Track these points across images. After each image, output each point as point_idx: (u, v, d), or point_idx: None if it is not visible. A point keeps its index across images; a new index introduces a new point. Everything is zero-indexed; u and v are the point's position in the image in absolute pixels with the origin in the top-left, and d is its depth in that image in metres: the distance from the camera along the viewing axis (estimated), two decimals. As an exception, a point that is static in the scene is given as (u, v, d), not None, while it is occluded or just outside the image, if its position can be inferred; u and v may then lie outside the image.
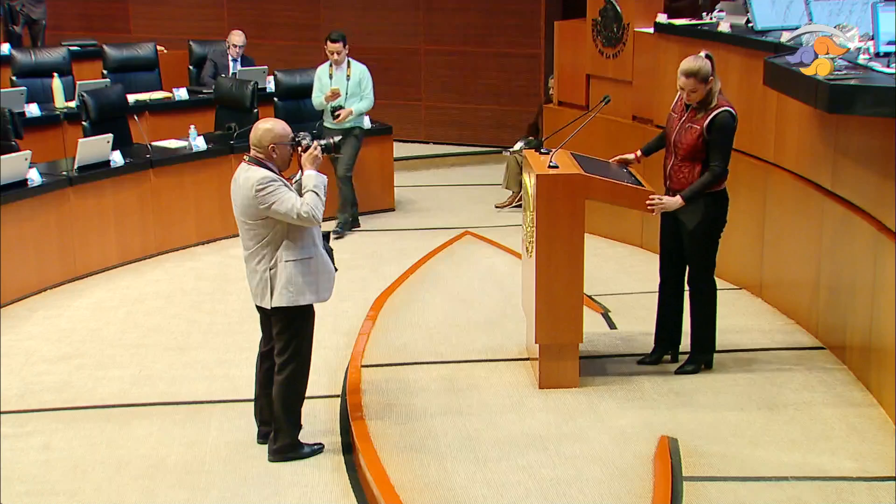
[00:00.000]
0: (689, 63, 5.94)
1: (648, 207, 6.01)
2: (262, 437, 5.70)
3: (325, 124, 9.55)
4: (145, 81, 11.17)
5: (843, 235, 6.31)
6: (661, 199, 6.02)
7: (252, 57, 11.44)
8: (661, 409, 5.89)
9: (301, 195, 5.28)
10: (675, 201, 6.00)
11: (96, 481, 5.42)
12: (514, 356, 6.65)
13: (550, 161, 6.00)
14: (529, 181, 6.17)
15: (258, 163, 5.27)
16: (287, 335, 5.44)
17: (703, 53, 6.02)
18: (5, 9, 12.60)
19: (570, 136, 6.21)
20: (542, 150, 6.32)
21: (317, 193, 5.27)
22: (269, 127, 5.29)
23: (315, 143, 5.42)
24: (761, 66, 6.60)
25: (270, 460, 5.53)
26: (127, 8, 14.19)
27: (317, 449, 5.61)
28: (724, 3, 8.30)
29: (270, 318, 5.49)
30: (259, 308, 5.55)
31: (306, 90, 10.40)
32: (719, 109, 5.95)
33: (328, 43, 9.51)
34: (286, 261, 5.32)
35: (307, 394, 6.36)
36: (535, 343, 6.12)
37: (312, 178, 5.32)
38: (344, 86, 9.44)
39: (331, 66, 9.53)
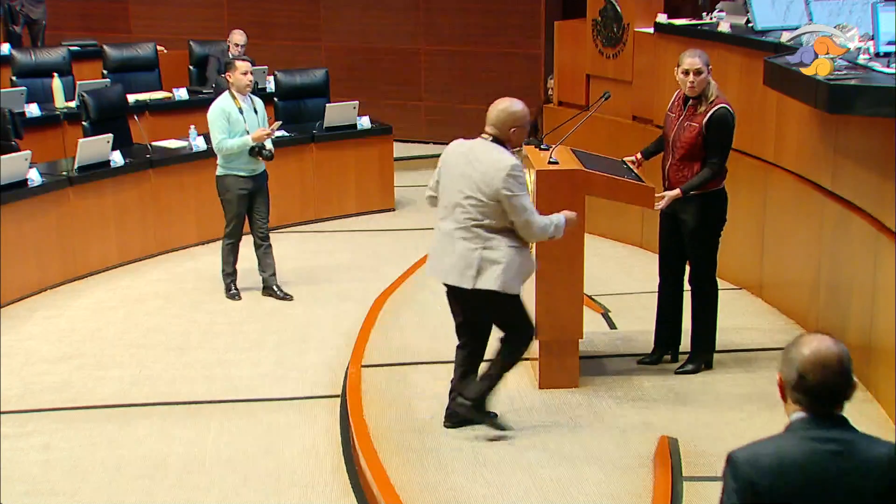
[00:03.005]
0: (688, 50, 6.02)
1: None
2: (449, 419, 5.62)
3: (236, 172, 7.64)
4: (145, 81, 11.17)
5: (842, 235, 6.31)
6: (660, 195, 6.04)
7: (252, 57, 11.42)
8: (661, 409, 5.89)
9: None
10: (673, 193, 6.01)
11: (96, 481, 5.42)
12: (514, 356, 6.65)
13: (550, 157, 6.00)
14: (529, 177, 6.17)
15: (499, 142, 5.19)
16: (503, 315, 5.35)
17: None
18: (5, 9, 12.59)
19: (571, 132, 6.21)
20: (542, 146, 6.32)
21: (556, 225, 5.25)
22: (512, 110, 5.16)
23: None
24: (761, 66, 6.60)
25: (453, 410, 5.49)
26: (127, 8, 14.19)
27: (492, 416, 5.52)
28: (724, 3, 8.30)
29: (468, 300, 5.30)
30: (451, 288, 5.33)
31: (306, 90, 10.42)
32: (718, 105, 5.96)
33: (237, 62, 7.67)
34: (510, 246, 5.17)
35: (307, 394, 6.40)
36: (535, 339, 6.12)
37: (562, 217, 5.33)
38: (254, 121, 7.69)
39: (234, 98, 7.65)
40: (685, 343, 6.39)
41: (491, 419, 5.55)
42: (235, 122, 7.59)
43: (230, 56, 11.03)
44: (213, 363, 6.83)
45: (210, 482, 5.39)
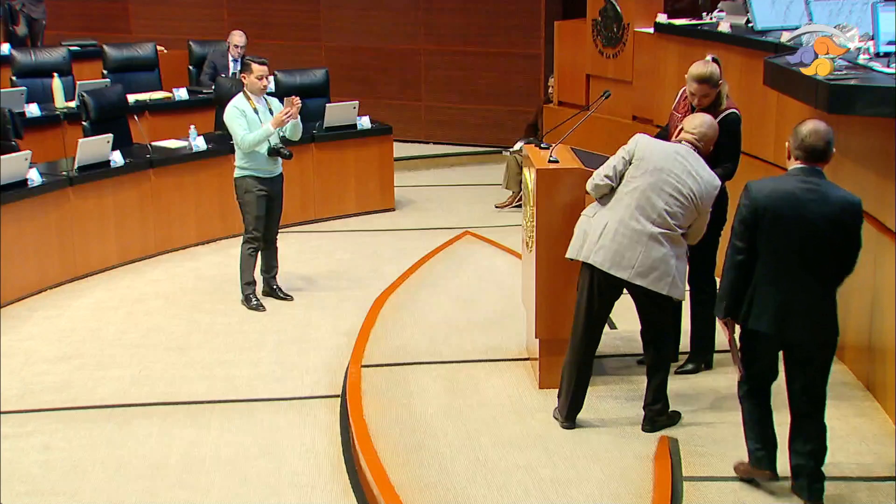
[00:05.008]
0: (699, 69, 5.84)
1: None
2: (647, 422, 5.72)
3: (256, 174, 7.52)
4: (145, 81, 11.17)
5: (843, 235, 6.29)
6: None
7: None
8: (661, 408, 5.89)
9: None
10: None
11: (96, 481, 5.43)
12: (514, 356, 6.65)
13: (551, 156, 6.01)
14: (530, 176, 6.18)
15: (699, 153, 5.45)
16: (667, 320, 5.61)
17: (709, 57, 5.96)
18: (5, 9, 12.60)
19: (571, 131, 6.21)
20: (542, 145, 6.34)
21: None
22: (716, 129, 5.53)
23: None
24: (761, 66, 6.59)
25: (650, 429, 5.61)
26: (127, 8, 14.20)
27: (676, 416, 5.73)
28: (724, 3, 8.31)
29: (653, 299, 5.48)
30: (625, 284, 5.47)
31: (306, 90, 10.42)
32: (727, 111, 5.90)
33: (254, 66, 7.45)
34: (686, 253, 5.50)
35: (307, 393, 6.40)
36: (536, 338, 6.12)
37: None
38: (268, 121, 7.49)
39: (249, 98, 7.52)
40: (685, 343, 6.39)
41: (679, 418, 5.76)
42: (251, 121, 7.45)
43: (230, 57, 11.06)
44: (213, 363, 6.84)
45: (210, 482, 5.40)
